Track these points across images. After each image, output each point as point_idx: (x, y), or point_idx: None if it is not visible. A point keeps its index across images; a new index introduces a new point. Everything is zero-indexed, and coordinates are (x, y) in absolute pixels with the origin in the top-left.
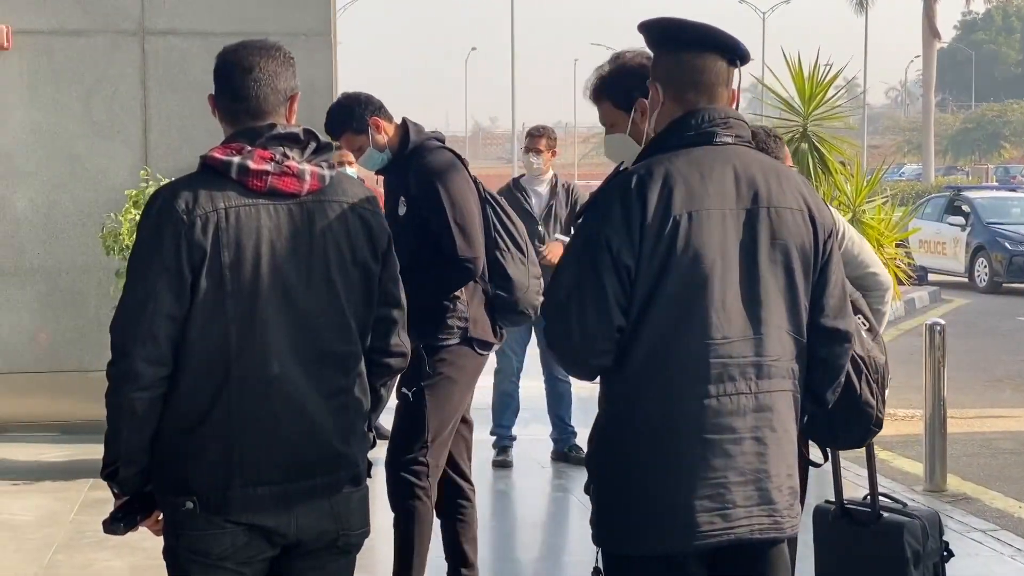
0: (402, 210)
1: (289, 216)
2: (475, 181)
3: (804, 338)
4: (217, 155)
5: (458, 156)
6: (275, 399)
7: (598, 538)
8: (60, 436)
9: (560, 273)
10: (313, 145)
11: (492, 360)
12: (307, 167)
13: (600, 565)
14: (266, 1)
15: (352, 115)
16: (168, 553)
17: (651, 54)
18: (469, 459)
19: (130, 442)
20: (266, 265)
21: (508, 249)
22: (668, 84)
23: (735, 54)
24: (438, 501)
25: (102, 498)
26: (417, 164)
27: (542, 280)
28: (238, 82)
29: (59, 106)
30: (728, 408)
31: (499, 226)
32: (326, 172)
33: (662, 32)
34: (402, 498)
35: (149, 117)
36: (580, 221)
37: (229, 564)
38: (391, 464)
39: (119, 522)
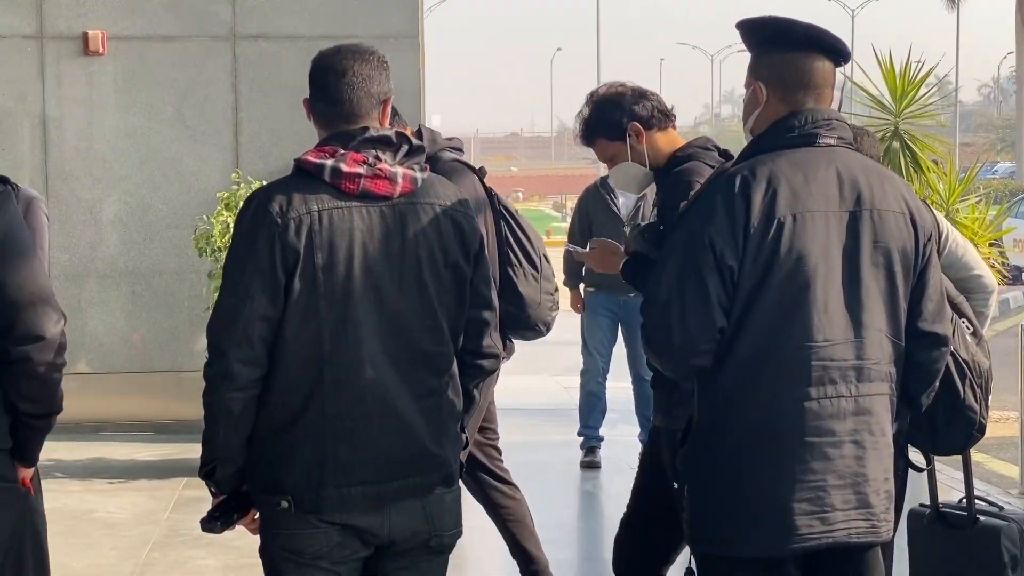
0: None
1: (381, 218)
2: (490, 194)
3: (902, 341)
4: (311, 158)
5: (472, 169)
6: (368, 400)
7: (692, 538)
8: (154, 436)
9: (660, 273)
10: (406, 148)
11: (579, 360)
12: (399, 170)
13: (693, 566)
14: (355, 4)
15: None
16: (263, 552)
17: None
18: (500, 460)
19: (227, 442)
20: (358, 267)
21: (520, 265)
22: (774, 84)
23: (840, 55)
24: (484, 509)
25: (196, 496)
26: None
27: (556, 296)
28: (332, 86)
29: (152, 110)
30: (829, 411)
31: (512, 241)
32: (418, 175)
33: (768, 31)
34: None
35: (240, 120)
36: (679, 221)
37: (323, 563)
38: None
39: (216, 520)
